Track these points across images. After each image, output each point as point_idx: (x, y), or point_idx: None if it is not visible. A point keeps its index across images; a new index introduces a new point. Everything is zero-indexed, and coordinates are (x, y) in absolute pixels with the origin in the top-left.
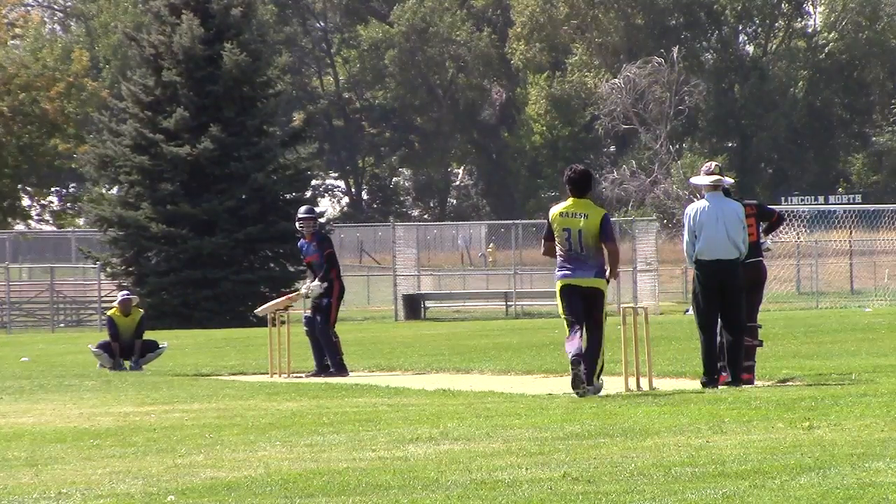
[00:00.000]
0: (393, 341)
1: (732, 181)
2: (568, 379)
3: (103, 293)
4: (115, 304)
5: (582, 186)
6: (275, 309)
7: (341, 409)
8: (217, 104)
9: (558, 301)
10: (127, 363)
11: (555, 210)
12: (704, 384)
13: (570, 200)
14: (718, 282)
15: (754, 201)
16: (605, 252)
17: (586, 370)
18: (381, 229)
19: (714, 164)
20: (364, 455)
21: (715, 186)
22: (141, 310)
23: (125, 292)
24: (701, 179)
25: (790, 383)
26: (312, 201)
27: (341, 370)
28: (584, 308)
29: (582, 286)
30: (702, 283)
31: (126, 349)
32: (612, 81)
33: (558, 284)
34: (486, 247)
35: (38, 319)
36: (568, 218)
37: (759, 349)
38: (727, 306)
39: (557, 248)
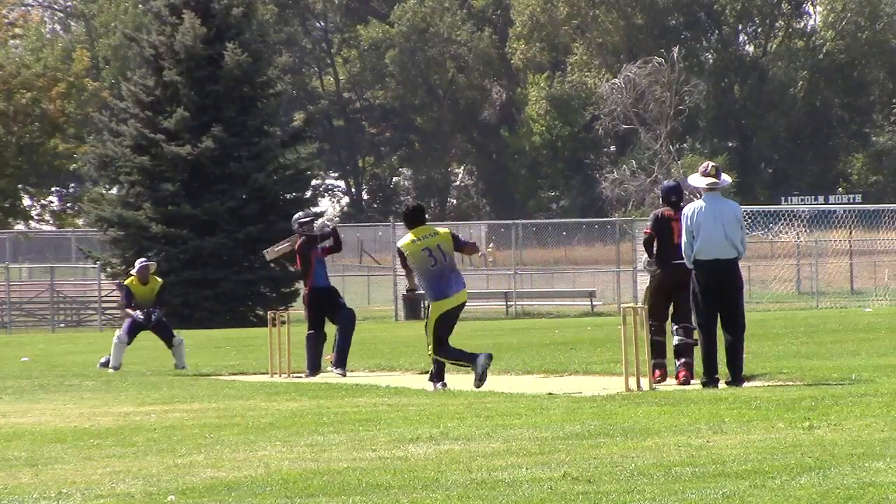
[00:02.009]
0: (393, 341)
1: (730, 180)
2: (569, 379)
3: (103, 293)
4: (132, 272)
5: (414, 219)
6: (282, 253)
7: (341, 409)
8: (217, 104)
9: (433, 320)
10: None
11: (404, 241)
12: (704, 384)
13: (412, 232)
14: (717, 281)
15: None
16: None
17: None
18: (381, 229)
19: (710, 164)
20: (364, 455)
21: (712, 188)
22: (160, 279)
23: (143, 259)
24: (698, 181)
25: (786, 383)
26: (312, 201)
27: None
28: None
29: (459, 304)
30: (700, 283)
31: (147, 318)
32: (612, 81)
33: (439, 307)
34: (486, 247)
35: (38, 319)
36: (422, 240)
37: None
38: (726, 305)
39: (421, 273)
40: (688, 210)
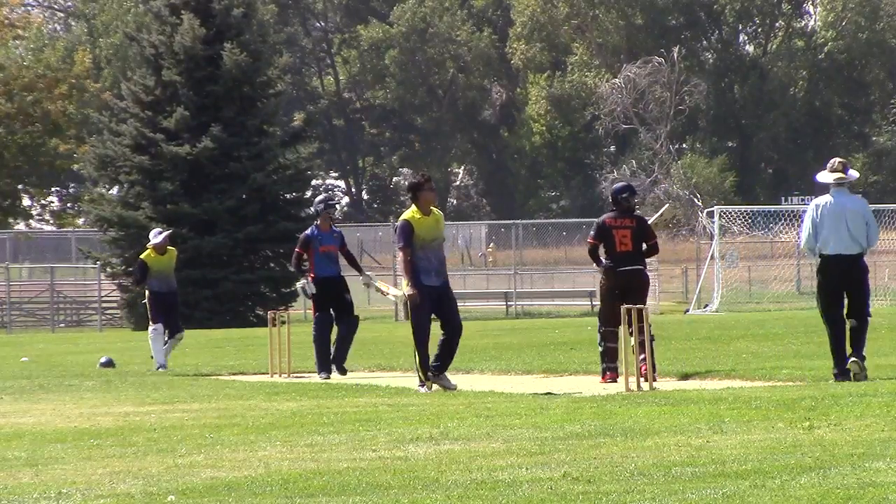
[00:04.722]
0: (393, 341)
1: (857, 175)
2: (569, 379)
3: (103, 293)
4: (149, 244)
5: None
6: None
7: (341, 409)
8: (217, 104)
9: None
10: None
11: None
12: (836, 376)
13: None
14: (840, 276)
15: (638, 214)
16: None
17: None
18: (381, 229)
19: (837, 160)
20: (364, 455)
21: (840, 183)
22: (172, 248)
23: (159, 229)
24: (825, 177)
25: (786, 383)
26: (313, 201)
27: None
28: None
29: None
30: (825, 278)
31: (169, 301)
32: (612, 81)
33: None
34: (486, 247)
35: (38, 319)
36: None
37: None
38: (852, 297)
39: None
40: (817, 202)
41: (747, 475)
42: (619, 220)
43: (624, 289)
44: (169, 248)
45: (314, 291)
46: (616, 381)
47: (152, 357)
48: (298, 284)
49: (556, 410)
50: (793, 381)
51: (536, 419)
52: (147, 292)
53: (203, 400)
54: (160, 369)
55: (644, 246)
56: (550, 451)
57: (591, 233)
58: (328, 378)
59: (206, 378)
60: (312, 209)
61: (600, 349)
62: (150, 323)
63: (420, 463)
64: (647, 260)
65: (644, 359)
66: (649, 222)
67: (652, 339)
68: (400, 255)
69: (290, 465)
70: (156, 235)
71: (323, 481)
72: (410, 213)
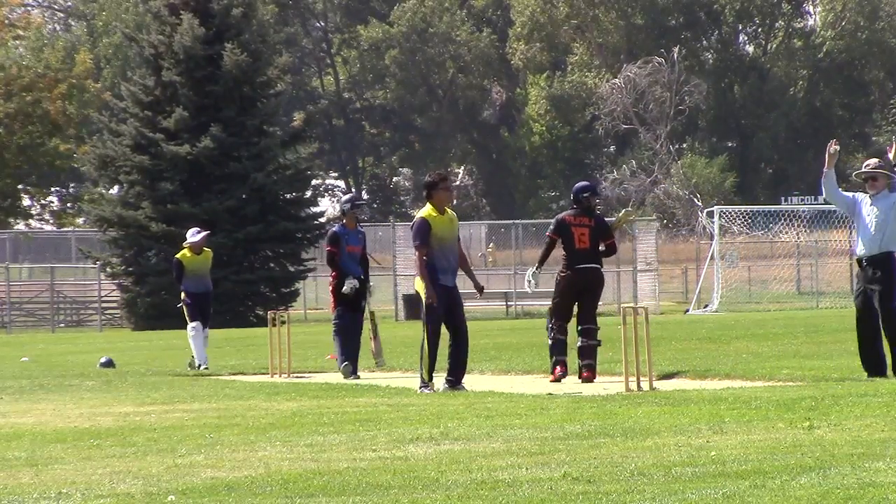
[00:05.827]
0: (393, 341)
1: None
2: (569, 379)
3: (103, 293)
4: (185, 244)
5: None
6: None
7: (341, 409)
8: (217, 104)
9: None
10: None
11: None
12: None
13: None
14: None
15: (598, 214)
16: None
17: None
18: (381, 229)
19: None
20: (364, 455)
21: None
22: (208, 249)
23: (196, 228)
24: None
25: (786, 383)
26: (313, 201)
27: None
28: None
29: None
30: None
31: (202, 302)
32: (612, 81)
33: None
34: (486, 247)
35: (38, 319)
36: None
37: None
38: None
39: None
40: None
41: (747, 475)
42: (578, 219)
43: (582, 287)
44: (205, 248)
45: (357, 285)
46: (566, 376)
47: (192, 360)
48: (347, 284)
49: (556, 410)
50: (793, 381)
51: (536, 419)
52: (183, 294)
53: (203, 400)
54: (203, 368)
55: (602, 246)
56: (550, 451)
57: (551, 227)
58: (348, 366)
59: (206, 378)
60: (338, 208)
61: (550, 342)
62: (189, 321)
63: (420, 463)
64: (652, 263)
65: (587, 364)
66: None
67: (598, 343)
68: (416, 253)
69: (290, 465)
70: (193, 235)
71: (323, 481)
72: (427, 211)
